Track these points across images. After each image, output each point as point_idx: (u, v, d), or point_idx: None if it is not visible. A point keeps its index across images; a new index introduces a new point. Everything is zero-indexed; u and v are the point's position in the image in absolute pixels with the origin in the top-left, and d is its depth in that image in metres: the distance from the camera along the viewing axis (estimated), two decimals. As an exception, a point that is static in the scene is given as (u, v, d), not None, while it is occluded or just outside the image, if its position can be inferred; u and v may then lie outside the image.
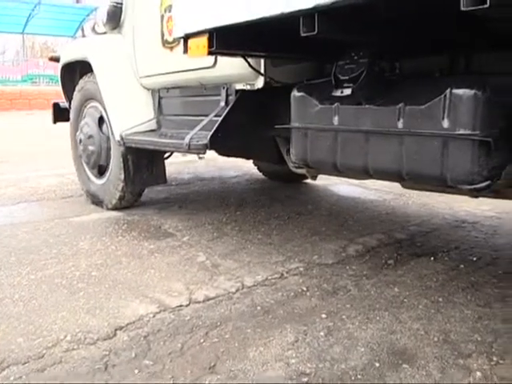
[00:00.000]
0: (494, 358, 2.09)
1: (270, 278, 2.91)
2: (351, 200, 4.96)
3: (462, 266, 3.08)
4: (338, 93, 2.27)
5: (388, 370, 2.02)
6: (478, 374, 1.99)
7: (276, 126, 2.67)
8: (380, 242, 3.54)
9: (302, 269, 3.05)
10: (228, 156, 4.85)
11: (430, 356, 2.11)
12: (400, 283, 2.83)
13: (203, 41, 2.37)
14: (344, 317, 2.44)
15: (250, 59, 2.92)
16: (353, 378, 1.97)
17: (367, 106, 2.23)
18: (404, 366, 2.04)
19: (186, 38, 2.50)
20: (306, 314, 2.47)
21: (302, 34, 1.90)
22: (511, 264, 3.11)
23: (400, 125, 2.11)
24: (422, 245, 3.49)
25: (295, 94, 2.55)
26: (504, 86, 2.01)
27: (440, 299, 2.63)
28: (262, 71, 3.04)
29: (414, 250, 3.38)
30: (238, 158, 4.90)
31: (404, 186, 2.94)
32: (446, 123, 1.97)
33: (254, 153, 4.35)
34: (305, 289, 2.76)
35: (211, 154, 3.78)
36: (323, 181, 5.45)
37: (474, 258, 3.21)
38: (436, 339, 2.24)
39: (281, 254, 3.29)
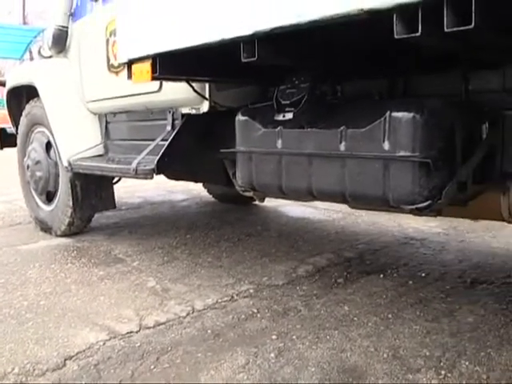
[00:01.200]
0: (443, 372, 2.13)
1: (220, 301, 2.90)
2: (301, 220, 5.00)
3: (410, 282, 3.13)
4: (280, 117, 2.30)
5: (339, 387, 2.04)
6: (427, 389, 2.03)
7: (222, 150, 2.68)
8: (330, 261, 3.58)
9: (252, 291, 3.05)
10: (177, 179, 4.85)
11: (379, 373, 2.13)
12: (350, 301, 2.86)
13: (147, 66, 2.38)
14: (294, 337, 2.45)
15: (194, 84, 2.94)
16: (304, 399, 1.98)
17: (309, 129, 2.26)
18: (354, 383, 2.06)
19: (130, 63, 2.50)
20: (256, 336, 2.47)
21: (243, 60, 1.93)
22: (459, 279, 3.18)
23: (342, 147, 2.14)
24: (371, 263, 3.53)
25: (239, 118, 2.57)
26: (440, 108, 2.07)
27: (389, 316, 2.67)
28: (207, 95, 3.06)
29: (363, 268, 3.42)
30: (187, 181, 4.90)
31: (351, 206, 2.98)
32: (386, 145, 2.02)
33: (202, 176, 4.36)
34: (255, 311, 2.76)
35: (161, 176, 3.77)
36: (273, 202, 5.49)
37: (423, 274, 3.27)
38: (386, 355, 2.27)
39: (231, 277, 3.29)
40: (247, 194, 3.25)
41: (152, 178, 3.20)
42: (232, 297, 2.96)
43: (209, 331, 2.53)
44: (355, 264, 3.51)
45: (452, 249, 3.84)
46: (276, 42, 1.87)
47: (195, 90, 2.93)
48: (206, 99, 3.06)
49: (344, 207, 4.89)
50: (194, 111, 3.19)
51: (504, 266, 3.40)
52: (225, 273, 3.37)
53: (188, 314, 2.73)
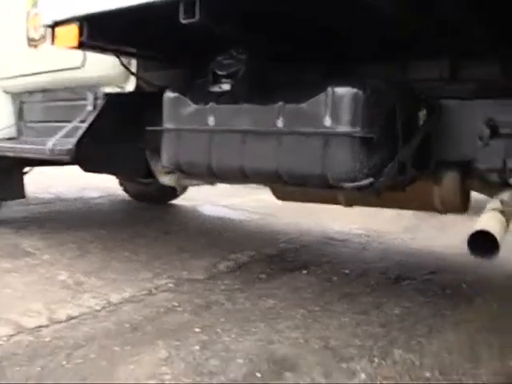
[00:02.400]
0: (376, 360, 2.05)
1: (137, 294, 2.72)
2: (220, 220, 4.87)
3: (335, 278, 3.06)
4: (215, 88, 2.16)
5: (271, 379, 1.91)
6: (363, 375, 1.94)
7: (147, 128, 2.50)
8: (251, 258, 3.46)
9: (171, 285, 2.88)
10: (94, 171, 4.56)
11: (312, 363, 2.03)
12: (274, 295, 2.74)
13: (73, 29, 2.19)
14: (219, 330, 2.30)
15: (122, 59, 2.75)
16: (234, 390, 1.84)
17: (245, 104, 2.14)
18: (287, 374, 1.94)
19: (55, 25, 2.29)
20: (178, 330, 2.30)
21: (182, 21, 1.80)
22: (383, 275, 3.14)
23: (279, 124, 2.04)
24: (293, 260, 3.44)
25: (168, 94, 2.41)
26: (382, 87, 2.02)
27: (316, 308, 2.58)
28: (134, 71, 2.86)
29: (285, 264, 3.33)
30: (105, 173, 4.64)
31: (279, 197, 2.89)
32: (327, 121, 1.94)
33: (122, 166, 4.02)
34: (176, 304, 2.60)
35: (73, 172, 3.53)
36: (191, 201, 5.35)
37: (347, 271, 3.21)
38: (316, 346, 2.17)
39: (149, 271, 3.10)
40: (169, 181, 3.10)
41: (70, 160, 2.95)
42: (150, 291, 2.78)
43: (126, 325, 2.34)
44: (277, 261, 3.41)
45: (373, 249, 3.82)
46: (217, 2, 1.76)
47: (123, 64, 2.74)
48: (133, 74, 2.87)
49: (263, 208, 4.83)
50: (118, 90, 2.99)
51: (425, 264, 3.40)
52: (142, 267, 3.17)
53: (103, 308, 2.53)
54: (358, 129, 1.88)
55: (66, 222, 4.45)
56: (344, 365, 2.02)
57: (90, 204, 5.45)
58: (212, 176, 2.29)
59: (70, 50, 2.40)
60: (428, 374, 1.97)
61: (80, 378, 1.88)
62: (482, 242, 1.66)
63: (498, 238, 1.65)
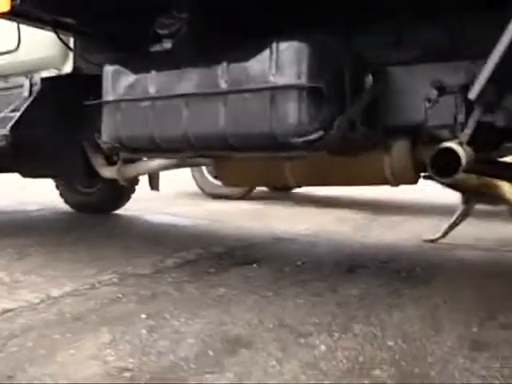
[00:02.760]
0: (336, 334, 1.95)
1: (80, 288, 2.53)
2: (165, 226, 4.72)
3: (287, 268, 2.94)
4: (157, 47, 2.05)
5: (225, 355, 1.77)
6: (322, 347, 1.83)
7: (86, 103, 2.35)
8: (199, 255, 3.30)
9: (116, 280, 2.70)
10: (32, 176, 4.34)
11: (268, 339, 1.90)
12: (225, 285, 2.60)
13: None
14: (167, 316, 2.15)
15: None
16: (185, 367, 1.68)
17: (188, 68, 2.04)
18: (242, 350, 1.81)
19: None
20: (123, 318, 2.14)
21: None
22: (335, 265, 3.05)
23: (224, 85, 1.95)
24: (243, 256, 3.31)
25: (107, 67, 2.28)
26: (328, 42, 1.96)
27: (270, 294, 2.45)
28: (72, 46, 2.69)
29: (234, 260, 3.19)
30: (43, 176, 4.41)
31: (226, 180, 2.79)
32: (273, 76, 1.89)
33: (60, 161, 3.77)
34: (120, 296, 2.43)
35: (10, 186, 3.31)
36: (135, 212, 5.18)
37: (299, 262, 3.09)
38: (272, 325, 2.04)
39: (92, 268, 2.90)
40: (110, 173, 2.95)
41: (4, 145, 2.74)
42: (93, 285, 2.60)
43: (67, 315, 2.16)
44: (226, 258, 3.27)
45: (324, 245, 3.73)
46: None
47: (60, 37, 2.57)
48: (71, 49, 2.70)
49: (212, 216, 4.72)
50: (56, 73, 2.80)
51: (377, 256, 3.32)
52: (85, 265, 2.96)
53: (42, 301, 2.33)
54: (304, 80, 1.84)
55: (5, 231, 4.20)
56: (302, 340, 1.90)
57: (31, 215, 5.17)
58: (155, 149, 2.17)
59: (1, 18, 2.24)
60: (391, 343, 1.87)
61: (14, 365, 1.69)
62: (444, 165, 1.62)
63: (461, 157, 1.63)
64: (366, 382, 1.57)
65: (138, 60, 2.19)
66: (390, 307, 2.26)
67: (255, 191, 7.00)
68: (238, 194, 6.72)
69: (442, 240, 3.64)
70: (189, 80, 2.03)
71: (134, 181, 5.00)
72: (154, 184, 4.69)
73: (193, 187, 7.08)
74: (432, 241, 3.68)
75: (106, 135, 2.27)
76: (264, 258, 3.25)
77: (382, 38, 2.25)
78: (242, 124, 1.94)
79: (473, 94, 1.77)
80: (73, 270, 2.86)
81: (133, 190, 5.06)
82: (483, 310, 2.26)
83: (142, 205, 5.50)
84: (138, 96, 2.14)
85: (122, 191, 5.00)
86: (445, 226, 3.66)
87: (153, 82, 2.11)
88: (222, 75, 1.95)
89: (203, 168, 7.00)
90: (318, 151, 1.96)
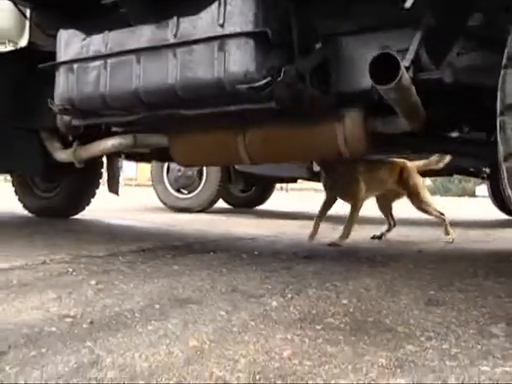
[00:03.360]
0: (289, 295, 1.91)
1: (30, 264, 2.44)
2: (123, 227, 4.63)
3: (244, 255, 2.89)
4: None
5: (171, 308, 1.71)
6: (274, 303, 1.79)
7: (39, 66, 2.28)
8: (155, 246, 3.23)
9: (68, 259, 2.61)
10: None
11: (218, 299, 1.84)
12: (179, 264, 2.54)
13: None
14: (116, 282, 2.08)
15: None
16: (129, 316, 1.61)
17: (138, 26, 2.03)
18: (190, 305, 1.75)
19: None
20: (71, 284, 2.05)
21: None
22: (293, 254, 3.00)
23: (172, 38, 1.95)
24: (201, 248, 3.24)
25: (61, 31, 2.23)
26: None
27: (223, 270, 2.40)
28: (28, 16, 2.62)
29: (190, 250, 3.12)
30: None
31: (181, 160, 2.75)
32: (220, 26, 1.90)
33: (13, 152, 3.60)
34: (71, 270, 2.34)
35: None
36: (94, 216, 5.08)
37: (256, 252, 3.04)
38: (224, 290, 1.99)
39: (45, 249, 2.82)
40: (66, 156, 2.88)
41: None
42: (44, 261, 2.50)
43: (14, 281, 2.07)
44: (184, 249, 3.19)
45: (283, 243, 3.70)
46: None
47: (18, 7, 2.49)
48: (26, 17, 2.61)
49: (174, 221, 4.63)
50: (10, 48, 2.67)
51: (337, 249, 3.29)
52: (39, 251, 2.84)
53: (-12, 274, 2.24)
54: (250, 27, 1.86)
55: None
56: (253, 300, 1.85)
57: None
58: (106, 108, 2.12)
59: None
60: (345, 301, 1.82)
61: None
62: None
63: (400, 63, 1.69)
64: (318, 327, 1.52)
65: (90, 22, 2.15)
66: (345, 279, 2.22)
67: (216, 206, 6.96)
68: (199, 207, 6.67)
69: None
70: (140, 37, 2.03)
71: (95, 183, 4.92)
72: (112, 186, 4.60)
73: (157, 203, 7.03)
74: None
75: (58, 98, 2.22)
76: (221, 249, 3.19)
77: (331, 9, 2.25)
78: (190, 75, 1.93)
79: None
80: (26, 252, 2.75)
81: (93, 194, 4.96)
82: (441, 280, 2.25)
83: (105, 214, 5.42)
84: (90, 55, 2.10)
85: (82, 195, 4.90)
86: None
87: (104, 41, 2.08)
88: (172, 29, 1.95)
89: (165, 181, 6.95)
90: (266, 103, 1.94)
